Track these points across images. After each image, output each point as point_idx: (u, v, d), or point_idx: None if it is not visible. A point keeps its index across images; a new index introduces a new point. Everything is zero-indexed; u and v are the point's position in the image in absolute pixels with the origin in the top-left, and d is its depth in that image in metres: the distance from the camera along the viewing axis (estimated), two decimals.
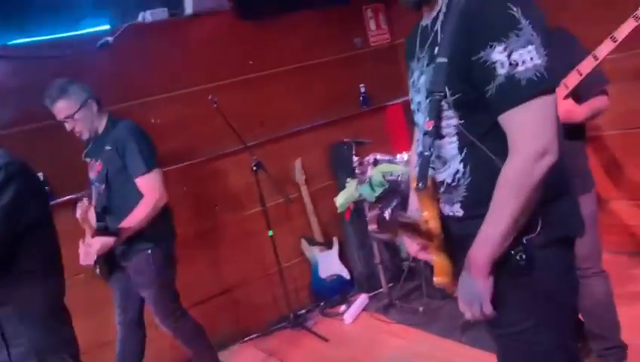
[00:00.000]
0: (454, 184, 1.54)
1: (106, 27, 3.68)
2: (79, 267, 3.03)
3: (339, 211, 4.01)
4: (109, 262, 3.04)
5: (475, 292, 1.46)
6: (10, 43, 3.40)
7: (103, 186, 2.98)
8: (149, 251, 3.03)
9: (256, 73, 4.27)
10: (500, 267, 1.45)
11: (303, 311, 4.28)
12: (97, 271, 3.06)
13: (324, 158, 4.58)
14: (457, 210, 1.54)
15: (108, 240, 2.93)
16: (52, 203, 3.33)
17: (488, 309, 1.46)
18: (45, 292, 1.81)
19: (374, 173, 3.64)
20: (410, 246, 1.59)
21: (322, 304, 4.36)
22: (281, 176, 4.30)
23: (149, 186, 2.97)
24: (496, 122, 1.43)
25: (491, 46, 1.37)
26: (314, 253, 4.40)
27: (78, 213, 2.89)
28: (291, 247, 4.39)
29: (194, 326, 3.26)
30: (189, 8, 3.94)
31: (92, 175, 3.12)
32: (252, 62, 4.24)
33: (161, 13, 3.84)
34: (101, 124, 3.07)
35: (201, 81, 4.01)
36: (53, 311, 1.84)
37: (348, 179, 3.98)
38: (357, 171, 3.84)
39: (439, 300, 3.84)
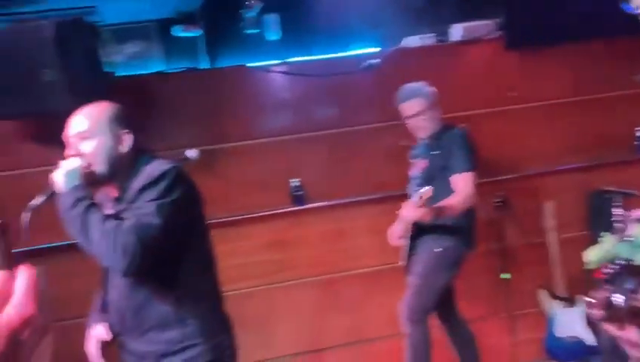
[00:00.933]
0: None
1: (375, 50, 3.87)
2: None
3: (587, 268, 3.56)
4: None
5: None
6: (288, 60, 3.79)
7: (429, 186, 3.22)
8: (438, 249, 3.21)
9: (516, 105, 4.04)
10: None
11: None
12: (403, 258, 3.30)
13: (580, 205, 4.12)
14: None
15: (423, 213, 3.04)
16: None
17: None
18: (211, 279, 2.06)
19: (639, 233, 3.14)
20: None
21: None
22: (527, 217, 3.99)
23: (464, 183, 3.12)
24: None
25: None
26: (553, 307, 3.98)
27: (418, 200, 3.01)
28: (527, 295, 4.05)
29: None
30: (457, 35, 3.93)
31: (413, 172, 3.40)
32: (514, 94, 4.03)
33: (428, 39, 3.91)
34: (436, 128, 3.33)
35: (456, 108, 3.93)
36: (218, 297, 2.08)
37: (604, 234, 3.51)
38: (617, 226, 3.35)
39: None
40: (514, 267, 3.92)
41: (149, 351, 1.98)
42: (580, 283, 4.03)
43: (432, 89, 3.35)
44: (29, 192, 3.41)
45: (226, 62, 3.72)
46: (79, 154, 1.91)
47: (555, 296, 3.99)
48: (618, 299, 1.02)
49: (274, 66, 3.77)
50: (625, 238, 3.23)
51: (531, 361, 3.99)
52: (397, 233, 3.33)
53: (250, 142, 3.77)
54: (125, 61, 3.68)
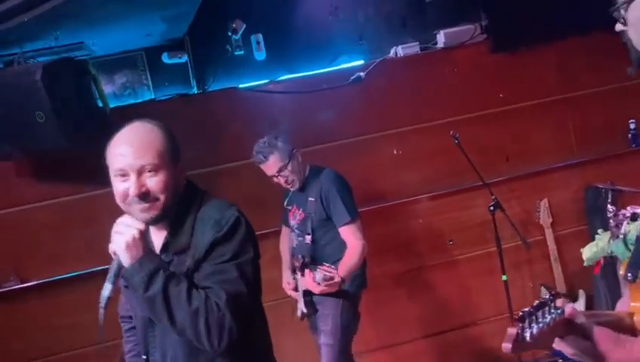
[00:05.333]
0: None
1: (360, 62, 3.92)
2: None
3: (585, 265, 3.58)
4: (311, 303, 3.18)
5: None
6: (277, 79, 3.85)
7: (310, 237, 3.13)
8: (341, 300, 3.09)
9: (507, 106, 4.07)
10: None
11: None
12: (304, 311, 3.17)
13: (576, 201, 4.14)
14: None
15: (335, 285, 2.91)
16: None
17: None
18: (268, 338, 1.85)
19: (631, 230, 3.16)
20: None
21: (560, 361, 3.96)
22: (524, 216, 4.02)
23: (355, 235, 3.03)
24: None
25: None
26: None
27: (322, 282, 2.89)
28: (528, 294, 4.08)
29: None
30: (440, 42, 3.96)
31: (293, 222, 3.26)
32: (502, 95, 4.05)
33: (412, 48, 3.94)
34: (304, 174, 3.21)
35: (447, 113, 3.98)
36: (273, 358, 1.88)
37: (599, 231, 3.53)
38: (611, 223, 3.38)
39: None
40: (513, 267, 3.96)
41: None
42: (581, 278, 4.06)
43: (283, 138, 3.14)
44: (29, 229, 3.55)
45: (214, 85, 3.77)
46: (145, 191, 1.61)
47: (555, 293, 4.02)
48: (527, 333, 1.06)
49: (263, 86, 3.82)
50: (618, 236, 3.26)
51: (536, 359, 4.02)
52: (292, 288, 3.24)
53: (244, 161, 3.81)
54: (116, 92, 3.75)
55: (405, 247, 3.93)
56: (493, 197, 3.70)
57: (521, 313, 1.06)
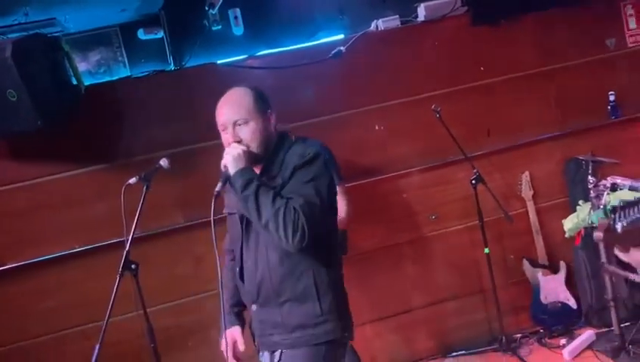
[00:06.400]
0: None
1: (340, 37, 3.86)
2: None
3: (566, 236, 3.63)
4: None
5: None
6: (256, 54, 3.78)
7: None
8: None
9: (487, 80, 4.04)
10: None
11: (518, 336, 4.01)
12: None
13: (557, 173, 4.15)
14: None
15: None
16: None
17: None
18: (339, 256, 2.28)
19: (612, 200, 3.19)
20: None
21: (541, 331, 4.02)
22: (505, 189, 4.04)
23: (342, 197, 3.16)
24: None
25: None
26: (536, 275, 4.06)
27: None
28: (511, 266, 4.12)
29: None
30: (421, 15, 3.92)
31: None
32: (483, 69, 4.03)
33: (392, 21, 3.89)
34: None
35: (429, 88, 3.95)
36: (342, 275, 2.27)
37: (580, 202, 3.56)
38: (591, 194, 3.41)
39: None
40: (496, 240, 3.98)
41: (284, 322, 2.09)
42: (564, 249, 4.10)
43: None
44: (5, 211, 3.47)
45: (191, 61, 3.69)
46: (238, 140, 2.07)
47: (537, 264, 4.06)
48: (618, 224, 1.08)
49: (241, 62, 3.75)
50: (599, 206, 3.29)
51: (519, 330, 4.08)
52: None
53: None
54: (91, 69, 3.65)
55: (389, 222, 3.92)
56: (475, 170, 3.71)
57: (612, 206, 1.08)
